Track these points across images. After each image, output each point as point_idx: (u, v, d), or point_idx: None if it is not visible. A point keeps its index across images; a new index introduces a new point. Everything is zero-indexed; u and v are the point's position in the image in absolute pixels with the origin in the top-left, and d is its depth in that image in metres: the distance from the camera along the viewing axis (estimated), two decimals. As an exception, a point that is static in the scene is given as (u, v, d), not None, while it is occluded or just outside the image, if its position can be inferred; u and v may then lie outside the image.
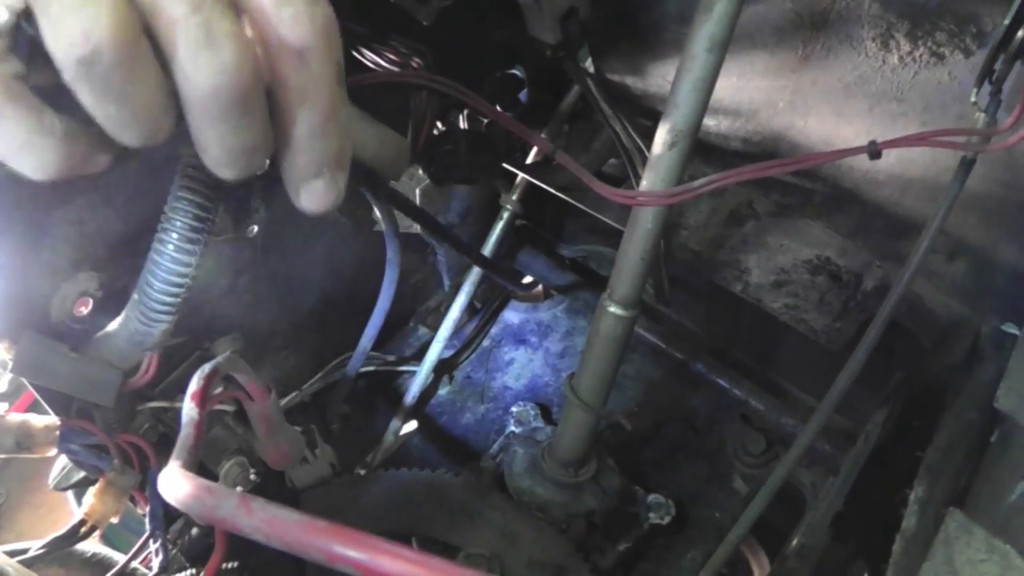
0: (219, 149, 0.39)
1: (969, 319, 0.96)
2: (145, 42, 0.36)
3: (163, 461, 0.85)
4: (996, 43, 0.64)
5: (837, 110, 0.90)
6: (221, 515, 0.35)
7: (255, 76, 0.37)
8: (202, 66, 0.36)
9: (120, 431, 0.87)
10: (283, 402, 1.09)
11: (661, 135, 0.72)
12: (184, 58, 0.36)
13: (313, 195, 0.43)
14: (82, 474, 0.95)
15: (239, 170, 0.41)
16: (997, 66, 0.65)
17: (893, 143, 0.61)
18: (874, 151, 0.61)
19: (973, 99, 0.67)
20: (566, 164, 0.76)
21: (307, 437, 1.02)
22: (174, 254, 0.69)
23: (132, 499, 0.89)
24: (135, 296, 0.76)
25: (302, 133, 0.40)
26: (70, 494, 1.00)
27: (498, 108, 1.09)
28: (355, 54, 0.85)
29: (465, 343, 1.31)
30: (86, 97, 0.36)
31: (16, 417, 0.83)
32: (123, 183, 0.82)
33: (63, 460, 0.95)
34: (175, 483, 0.38)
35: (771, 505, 0.82)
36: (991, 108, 0.67)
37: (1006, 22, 0.63)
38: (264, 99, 0.39)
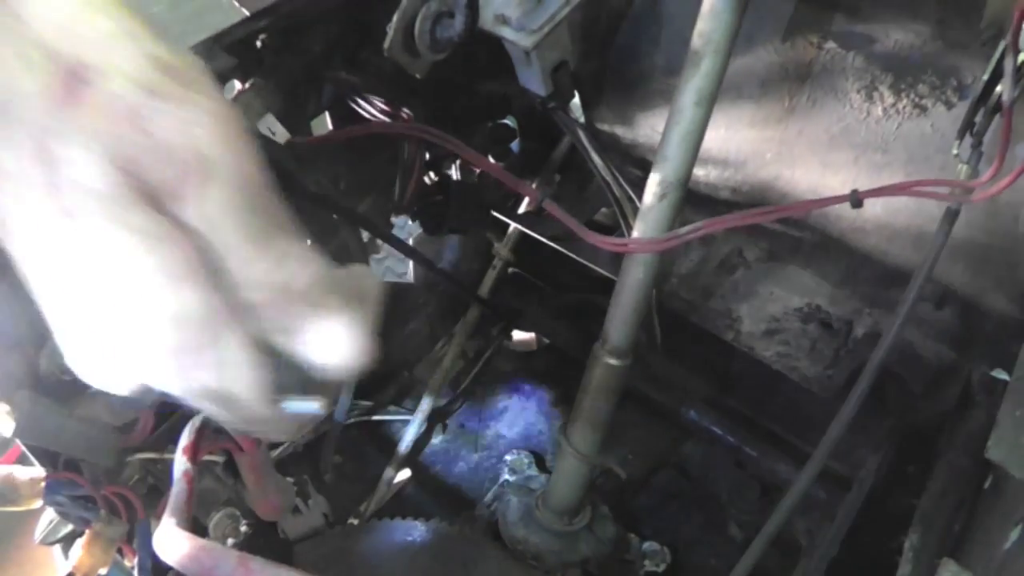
0: None
1: (959, 365, 0.97)
2: None
3: (151, 512, 0.85)
4: (976, 97, 0.66)
5: (823, 160, 0.92)
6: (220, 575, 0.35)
7: None
8: None
9: (108, 483, 0.86)
10: (275, 452, 1.09)
11: (651, 187, 0.73)
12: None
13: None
14: (69, 528, 0.94)
15: None
16: (977, 119, 0.67)
17: (874, 192, 0.62)
18: (855, 200, 0.63)
19: (955, 151, 0.69)
20: (554, 214, 0.77)
21: (300, 487, 1.01)
22: None
23: (119, 551, 0.88)
24: None
25: None
26: (56, 549, 0.99)
27: (490, 157, 1.11)
28: (349, 103, 0.87)
29: (458, 391, 1.30)
30: None
31: (1, 470, 0.83)
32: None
33: (50, 514, 0.94)
34: (172, 543, 0.38)
35: (767, 552, 0.81)
36: (973, 160, 0.69)
37: (985, 77, 0.64)
38: None
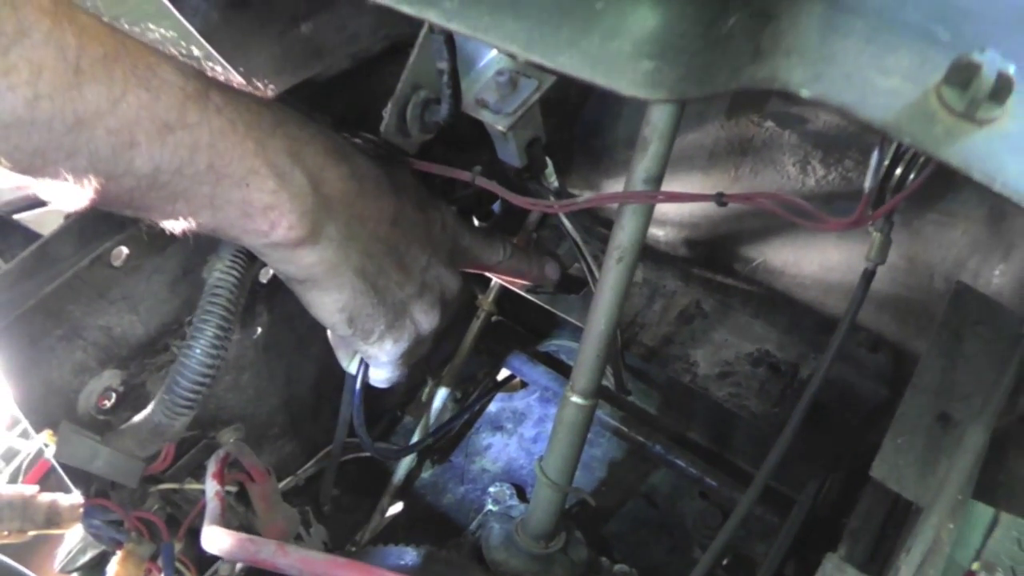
0: None
1: (892, 401, 1.08)
2: None
3: (173, 536, 0.95)
4: (880, 178, 0.78)
5: (765, 224, 1.04)
6: (263, 558, 0.45)
7: None
8: None
9: (134, 509, 0.97)
10: (280, 485, 1.18)
11: (610, 251, 0.84)
12: None
13: None
14: (89, 556, 1.04)
15: None
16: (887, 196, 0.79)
17: (736, 197, 0.73)
18: (719, 201, 0.74)
19: (869, 224, 0.80)
20: (486, 187, 0.91)
21: (302, 517, 1.12)
22: (201, 358, 0.82)
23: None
24: (161, 394, 0.87)
25: None
26: (75, 577, 1.09)
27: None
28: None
29: (446, 430, 1.39)
30: None
31: (47, 497, 0.94)
32: (147, 294, 0.93)
33: (69, 543, 1.04)
34: (220, 539, 0.49)
35: (734, 573, 0.89)
36: (885, 229, 0.81)
37: (886, 162, 0.76)
38: None
